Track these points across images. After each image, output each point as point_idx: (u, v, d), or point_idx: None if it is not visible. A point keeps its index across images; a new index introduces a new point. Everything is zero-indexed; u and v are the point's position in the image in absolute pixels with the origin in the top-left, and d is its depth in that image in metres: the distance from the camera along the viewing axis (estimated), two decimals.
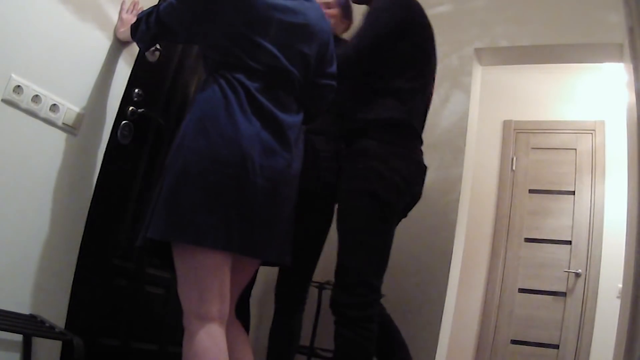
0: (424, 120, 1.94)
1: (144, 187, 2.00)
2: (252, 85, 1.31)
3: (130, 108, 1.88)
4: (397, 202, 1.71)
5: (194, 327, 1.18)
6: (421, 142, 1.88)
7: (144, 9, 1.84)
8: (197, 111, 1.30)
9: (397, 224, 1.80)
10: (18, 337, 1.51)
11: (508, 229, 3.86)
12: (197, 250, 1.22)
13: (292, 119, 1.39)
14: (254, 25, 1.36)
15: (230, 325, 1.31)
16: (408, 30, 1.78)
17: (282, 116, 1.35)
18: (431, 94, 1.96)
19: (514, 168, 3.98)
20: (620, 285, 2.69)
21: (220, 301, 1.22)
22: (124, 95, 1.85)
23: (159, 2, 1.64)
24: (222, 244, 1.22)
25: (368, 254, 1.67)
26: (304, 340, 2.79)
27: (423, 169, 1.85)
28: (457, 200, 2.79)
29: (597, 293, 3.42)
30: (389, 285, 2.82)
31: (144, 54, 1.90)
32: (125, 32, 1.74)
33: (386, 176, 1.66)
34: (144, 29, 1.52)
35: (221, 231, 1.21)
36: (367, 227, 1.67)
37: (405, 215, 1.89)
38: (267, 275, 2.59)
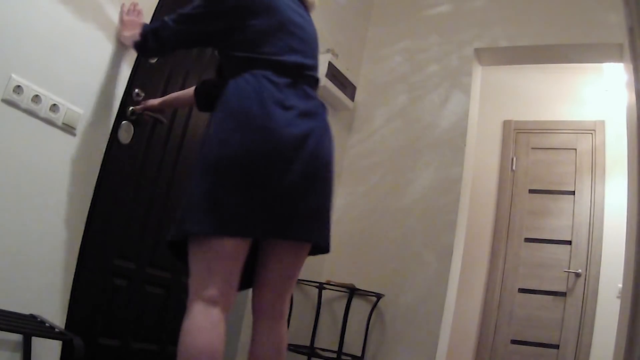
0: None
1: (143, 187, 2.00)
2: (280, 81, 1.36)
3: (130, 108, 1.88)
4: None
5: (194, 307, 1.21)
6: None
7: (143, 9, 1.85)
8: (227, 107, 1.32)
9: None
10: (18, 337, 1.51)
11: (508, 229, 3.86)
12: (212, 239, 1.23)
13: (313, 103, 1.43)
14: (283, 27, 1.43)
15: (272, 319, 1.36)
16: None
17: (306, 104, 1.39)
18: None
19: (514, 168, 3.98)
20: (620, 285, 2.69)
21: (226, 287, 1.25)
22: (123, 95, 1.85)
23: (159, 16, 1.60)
24: (257, 232, 1.26)
25: None
26: (304, 340, 2.79)
27: None
28: (457, 200, 2.80)
29: (597, 293, 3.42)
30: (389, 285, 2.83)
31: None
32: (128, 38, 1.73)
33: None
34: (156, 46, 1.56)
35: (259, 220, 1.25)
36: None
37: None
38: None
